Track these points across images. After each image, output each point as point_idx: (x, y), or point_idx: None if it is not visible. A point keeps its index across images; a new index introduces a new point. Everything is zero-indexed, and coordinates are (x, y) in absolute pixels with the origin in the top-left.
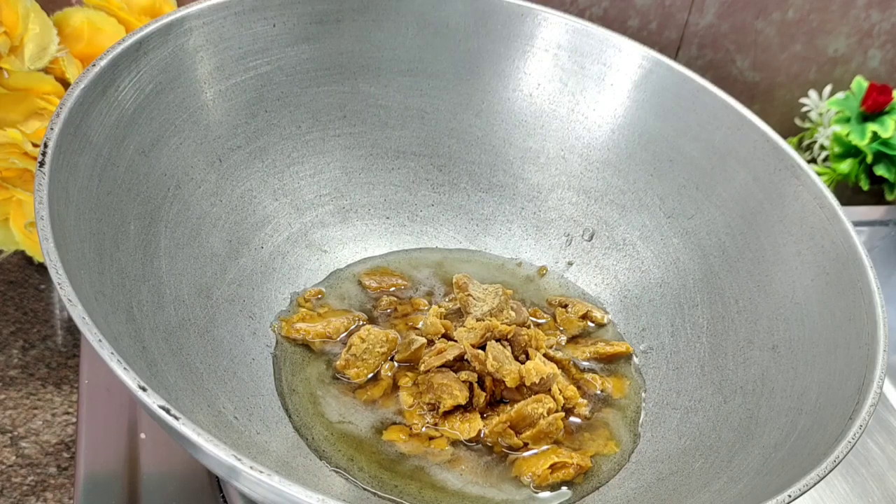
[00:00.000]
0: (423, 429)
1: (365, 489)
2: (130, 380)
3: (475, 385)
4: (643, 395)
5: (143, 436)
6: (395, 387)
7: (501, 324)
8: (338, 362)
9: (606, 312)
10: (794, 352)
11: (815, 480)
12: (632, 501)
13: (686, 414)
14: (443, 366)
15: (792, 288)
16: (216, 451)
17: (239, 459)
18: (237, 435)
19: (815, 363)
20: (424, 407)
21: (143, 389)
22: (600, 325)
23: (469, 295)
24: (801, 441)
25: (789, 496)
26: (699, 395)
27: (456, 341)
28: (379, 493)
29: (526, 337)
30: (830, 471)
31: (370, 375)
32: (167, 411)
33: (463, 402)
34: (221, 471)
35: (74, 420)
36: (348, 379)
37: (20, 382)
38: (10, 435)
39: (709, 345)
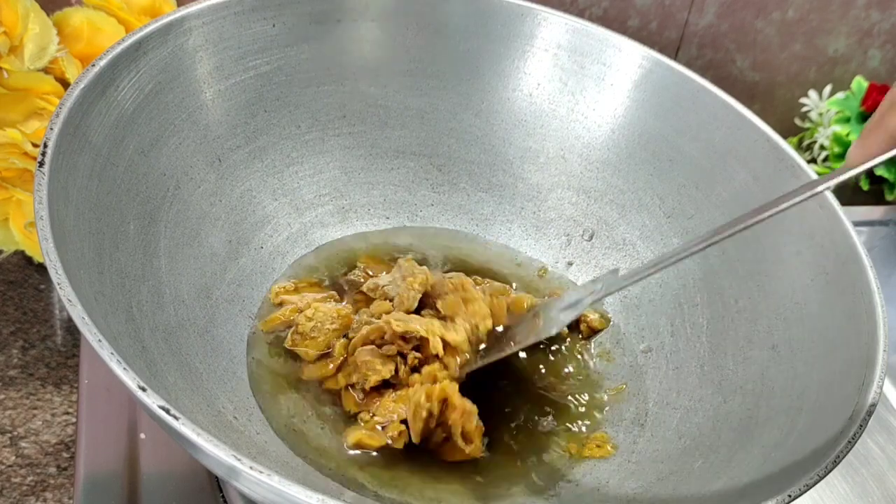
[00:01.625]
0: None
1: (364, 488)
2: (130, 380)
3: (398, 359)
4: (643, 395)
5: (143, 436)
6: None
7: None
8: (286, 341)
9: (606, 313)
10: (793, 351)
11: (815, 480)
12: (632, 501)
13: (686, 414)
14: (370, 343)
15: (792, 288)
16: (216, 451)
17: (239, 459)
18: (237, 435)
19: (815, 363)
20: (355, 388)
21: (143, 389)
22: (598, 330)
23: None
24: (801, 441)
25: (789, 496)
26: (699, 395)
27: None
28: (379, 492)
29: (451, 286)
30: (830, 471)
31: (325, 353)
32: (167, 411)
33: (387, 375)
34: (221, 471)
35: (74, 420)
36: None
37: (20, 382)
38: (9, 435)
39: (709, 344)
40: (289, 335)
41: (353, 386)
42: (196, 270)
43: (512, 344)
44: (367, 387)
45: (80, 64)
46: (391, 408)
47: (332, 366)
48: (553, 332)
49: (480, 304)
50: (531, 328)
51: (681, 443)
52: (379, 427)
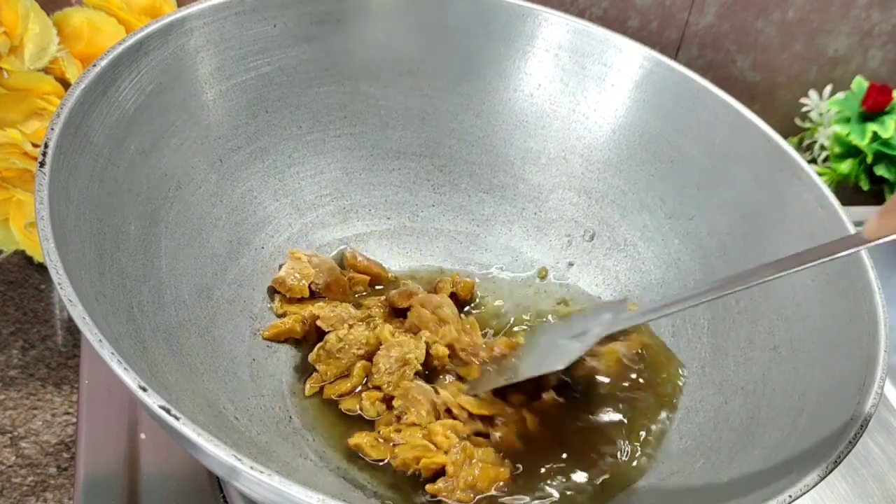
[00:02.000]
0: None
1: (365, 489)
2: (131, 380)
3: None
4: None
5: (143, 436)
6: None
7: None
8: (311, 354)
9: None
10: (794, 352)
11: (815, 480)
12: (632, 501)
13: (686, 414)
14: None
15: (792, 288)
16: (216, 452)
17: (239, 459)
18: (237, 435)
19: (816, 364)
20: (393, 418)
21: (144, 389)
22: None
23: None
24: (802, 442)
25: (789, 496)
26: (700, 395)
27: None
28: (379, 492)
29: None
30: (831, 471)
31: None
32: (167, 411)
33: (428, 423)
34: (221, 471)
35: (74, 420)
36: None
37: (20, 382)
38: (10, 435)
39: (709, 345)
40: (315, 350)
41: (380, 399)
42: (197, 271)
43: (519, 372)
44: (403, 420)
45: (80, 64)
46: (414, 433)
47: (350, 385)
48: (567, 363)
49: (450, 328)
50: (540, 357)
51: (681, 443)
52: (394, 443)
